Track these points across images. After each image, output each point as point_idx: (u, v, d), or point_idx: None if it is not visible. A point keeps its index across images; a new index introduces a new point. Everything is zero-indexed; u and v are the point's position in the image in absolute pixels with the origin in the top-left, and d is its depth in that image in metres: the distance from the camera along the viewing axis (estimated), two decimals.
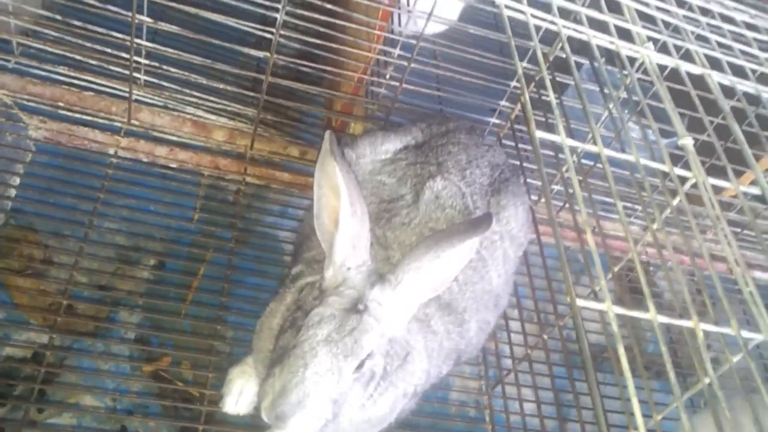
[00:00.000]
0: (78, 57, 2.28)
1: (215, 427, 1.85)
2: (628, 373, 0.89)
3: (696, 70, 1.44)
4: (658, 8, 1.61)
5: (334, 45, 2.19)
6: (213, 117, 2.44)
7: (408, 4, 2.29)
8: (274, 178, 2.47)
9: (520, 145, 2.34)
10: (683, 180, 1.21)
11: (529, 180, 2.25)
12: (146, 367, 2.04)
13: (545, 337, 1.80)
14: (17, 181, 2.17)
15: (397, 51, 2.20)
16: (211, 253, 2.26)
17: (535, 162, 2.27)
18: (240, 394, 1.78)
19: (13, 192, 2.16)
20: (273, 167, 2.48)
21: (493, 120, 2.44)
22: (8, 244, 2.11)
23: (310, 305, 1.41)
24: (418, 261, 1.41)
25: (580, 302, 0.85)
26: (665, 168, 1.19)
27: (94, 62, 2.28)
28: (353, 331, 1.36)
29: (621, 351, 0.90)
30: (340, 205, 1.40)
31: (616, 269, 1.51)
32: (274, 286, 2.11)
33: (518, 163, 2.28)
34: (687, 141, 1.23)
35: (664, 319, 0.99)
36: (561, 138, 1.12)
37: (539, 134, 1.09)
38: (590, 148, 1.18)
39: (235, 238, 2.22)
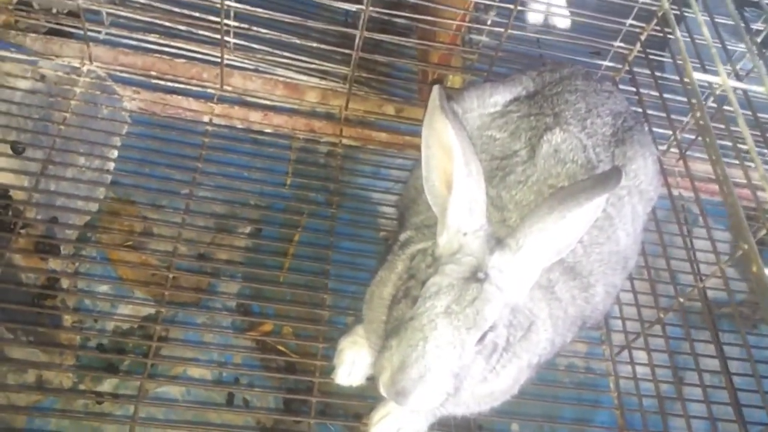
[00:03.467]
0: (167, 23, 2.23)
1: (327, 398, 1.80)
2: None
3: None
4: None
5: None
6: (305, 78, 2.35)
7: None
8: (370, 139, 2.36)
9: (641, 90, 2.12)
10: None
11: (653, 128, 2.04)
12: (250, 332, 2.01)
13: (681, 300, 1.63)
14: (115, 153, 2.16)
15: None
16: (305, 218, 2.19)
17: (656, 109, 2.08)
18: (352, 365, 1.72)
19: (111, 165, 2.15)
20: (368, 127, 2.38)
21: (606, 63, 2.23)
22: (109, 217, 2.11)
23: (425, 274, 1.31)
24: (541, 222, 1.28)
25: None
26: None
27: (183, 28, 2.23)
28: (474, 302, 1.25)
29: None
30: (454, 166, 1.28)
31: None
32: (371, 250, 2.07)
33: (640, 110, 2.07)
34: None
35: None
36: (722, 79, 0.94)
37: (697, 76, 0.92)
38: (756, 88, 0.99)
39: (329, 202, 2.14)
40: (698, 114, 1.42)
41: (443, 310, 1.24)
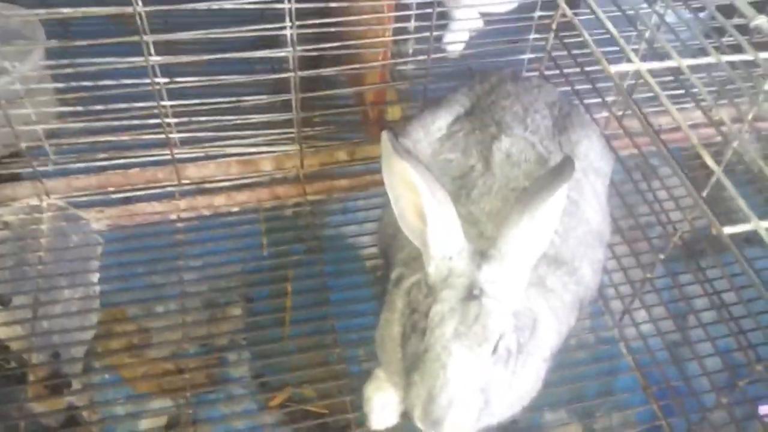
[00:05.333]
0: (110, 138, 2.28)
1: None
2: None
3: None
4: None
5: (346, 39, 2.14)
6: (255, 150, 2.42)
7: None
8: (333, 188, 2.43)
9: (566, 71, 2.24)
10: None
11: (586, 101, 2.15)
12: (272, 402, 2.03)
13: (661, 256, 1.72)
14: (97, 276, 2.19)
15: (412, 23, 2.13)
16: (292, 283, 2.23)
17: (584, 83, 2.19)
18: (383, 408, 1.77)
19: (97, 288, 2.18)
20: (329, 178, 2.45)
21: (528, 56, 2.35)
22: (107, 338, 2.13)
23: (425, 305, 1.38)
24: (515, 227, 1.36)
25: (728, 229, 0.79)
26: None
27: (127, 138, 2.28)
28: (478, 318, 1.32)
29: None
30: (422, 200, 1.36)
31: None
32: (367, 294, 2.13)
33: (569, 89, 2.18)
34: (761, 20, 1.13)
35: None
36: (637, 65, 1.04)
37: (614, 68, 1.02)
38: (669, 64, 1.09)
39: (311, 260, 2.20)
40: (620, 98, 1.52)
41: (452, 334, 1.31)
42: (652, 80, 1.06)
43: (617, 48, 1.29)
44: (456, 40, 2.70)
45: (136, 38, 1.88)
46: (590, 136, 1.80)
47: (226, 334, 2.16)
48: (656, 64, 1.12)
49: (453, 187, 1.71)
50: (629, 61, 1.06)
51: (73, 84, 2.07)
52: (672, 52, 1.14)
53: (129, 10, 1.87)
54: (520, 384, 1.50)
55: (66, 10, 1.84)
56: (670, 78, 2.01)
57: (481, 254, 1.39)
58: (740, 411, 1.80)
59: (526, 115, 1.78)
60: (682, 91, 2.05)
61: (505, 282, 1.37)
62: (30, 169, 2.23)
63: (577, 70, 2.15)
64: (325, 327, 2.04)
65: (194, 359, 2.09)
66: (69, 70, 2.02)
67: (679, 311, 2.10)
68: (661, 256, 1.67)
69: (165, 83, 2.09)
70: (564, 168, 1.37)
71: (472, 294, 1.34)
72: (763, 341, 1.75)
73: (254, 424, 1.99)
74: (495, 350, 1.33)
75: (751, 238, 0.97)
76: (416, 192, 1.36)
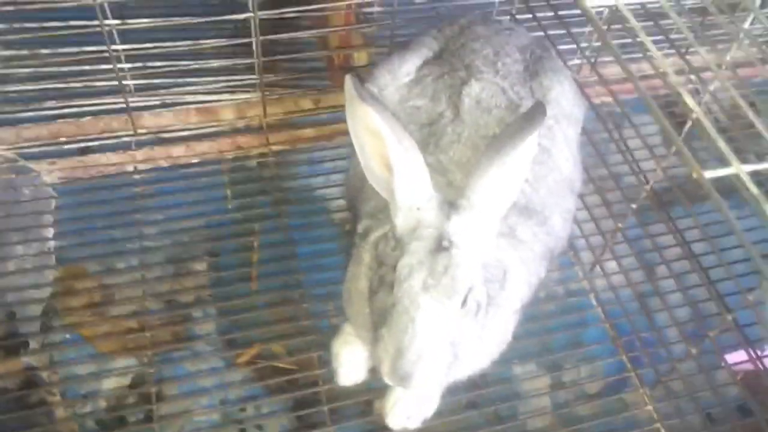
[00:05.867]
0: (60, 85, 2.16)
1: (338, 402, 1.81)
2: None
3: None
4: None
5: None
6: (215, 97, 2.31)
7: None
8: (298, 138, 2.35)
9: (538, 14, 2.16)
10: None
11: (559, 47, 2.08)
12: (240, 359, 1.99)
13: (633, 206, 1.69)
14: (51, 231, 2.09)
15: None
16: (259, 235, 2.17)
17: (557, 28, 2.12)
18: (351, 364, 1.74)
19: (52, 244, 2.09)
20: (293, 127, 2.36)
21: None
22: (68, 296, 2.05)
23: (393, 258, 1.32)
24: (485, 175, 1.30)
25: (708, 173, 0.74)
26: None
27: (78, 85, 2.16)
28: (447, 270, 1.27)
29: None
30: (387, 147, 1.29)
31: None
32: (334, 246, 2.08)
33: (542, 34, 2.11)
34: None
35: None
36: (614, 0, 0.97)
37: (590, 2, 0.95)
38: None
39: (278, 212, 2.14)
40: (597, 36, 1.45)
41: (421, 287, 1.26)
42: (632, 17, 0.99)
43: None
44: None
45: None
46: (562, 81, 1.73)
47: (190, 290, 2.09)
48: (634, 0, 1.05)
49: (421, 134, 1.64)
50: None
51: (16, 26, 1.94)
52: None
53: None
54: (490, 337, 1.48)
55: None
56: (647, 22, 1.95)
57: (450, 204, 1.33)
58: (708, 360, 1.80)
59: (496, 59, 1.71)
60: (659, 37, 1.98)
61: (475, 233, 1.32)
62: None
63: (551, 13, 2.07)
64: (292, 282, 1.99)
65: (158, 316, 2.03)
66: (10, 8, 1.88)
67: (649, 263, 2.08)
68: (633, 206, 1.63)
69: (116, 24, 1.96)
70: (535, 114, 1.31)
71: (441, 245, 1.29)
72: (733, 291, 1.74)
73: (221, 381, 1.94)
74: (464, 303, 1.29)
75: (720, 189, 0.94)
76: (382, 139, 1.29)
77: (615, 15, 2.02)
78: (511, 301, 1.51)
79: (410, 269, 1.28)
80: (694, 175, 0.76)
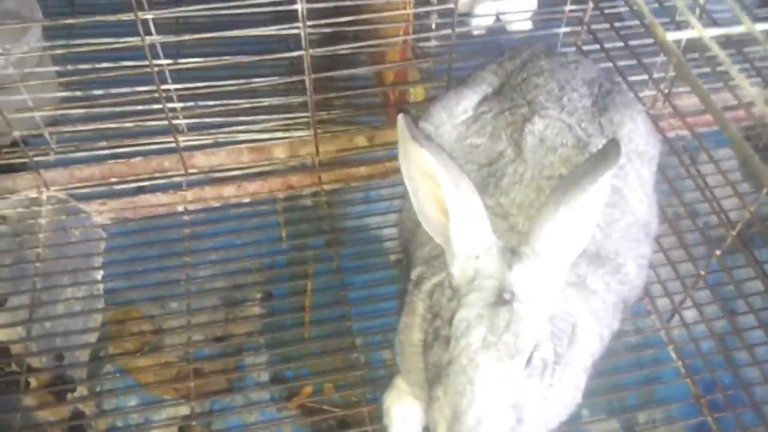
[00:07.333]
0: (112, 125, 2.15)
1: None
2: None
3: None
4: None
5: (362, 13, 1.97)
6: (267, 135, 2.27)
7: None
8: (351, 177, 2.28)
9: (606, 45, 2.03)
10: None
11: (629, 78, 1.95)
12: (291, 403, 1.91)
13: (717, 252, 1.53)
14: (101, 274, 2.06)
15: None
16: (312, 265, 2.11)
17: (627, 59, 1.99)
18: (404, 421, 1.62)
19: (101, 287, 2.06)
20: (346, 165, 2.29)
21: (564, 30, 2.15)
22: (116, 327, 2.02)
23: (449, 311, 1.22)
24: (551, 220, 1.19)
25: None
26: None
27: (130, 125, 2.15)
28: (509, 326, 1.16)
29: None
30: (443, 191, 1.19)
31: None
32: (385, 276, 2.00)
33: (610, 65, 1.98)
34: None
35: None
36: (698, 31, 0.85)
37: (671, 36, 0.83)
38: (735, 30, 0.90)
39: (329, 242, 2.08)
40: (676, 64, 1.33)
41: (480, 345, 1.15)
42: (717, 48, 0.87)
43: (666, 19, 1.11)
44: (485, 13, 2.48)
45: (130, 15, 1.72)
46: (634, 116, 1.60)
47: (241, 335, 2.04)
48: (719, 30, 0.93)
49: (480, 175, 1.53)
50: (681, 28, 0.87)
51: (70, 67, 1.93)
52: (742, 16, 0.94)
53: None
54: (558, 397, 1.34)
55: None
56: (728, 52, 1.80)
57: (512, 252, 1.22)
58: None
59: (562, 94, 1.59)
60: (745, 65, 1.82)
61: (540, 283, 1.21)
62: (28, 161, 2.10)
63: (620, 44, 1.95)
64: (344, 328, 1.91)
65: (209, 360, 1.98)
66: (62, 51, 1.87)
67: (734, 310, 1.90)
68: (717, 252, 1.47)
69: (168, 65, 1.94)
70: (609, 152, 1.20)
71: (502, 298, 1.18)
72: None
73: (269, 416, 1.89)
74: (529, 362, 1.17)
75: None
76: (437, 182, 1.19)
77: (691, 43, 1.88)
78: (582, 358, 1.37)
79: (468, 324, 1.17)
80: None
